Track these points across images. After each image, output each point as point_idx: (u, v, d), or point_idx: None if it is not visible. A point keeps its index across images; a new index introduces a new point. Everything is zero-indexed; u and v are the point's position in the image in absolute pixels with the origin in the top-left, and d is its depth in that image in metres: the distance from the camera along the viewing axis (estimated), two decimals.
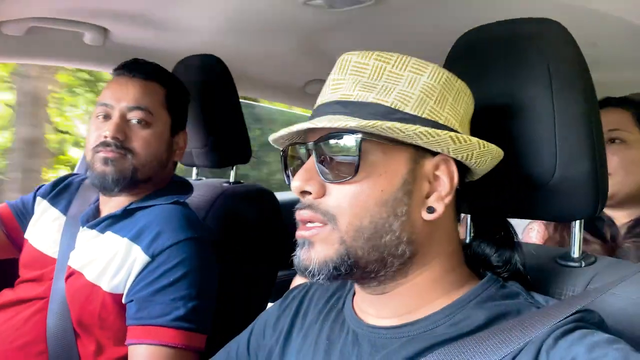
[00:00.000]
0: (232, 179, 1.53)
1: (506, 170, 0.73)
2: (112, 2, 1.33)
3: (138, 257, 1.06)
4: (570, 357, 0.51)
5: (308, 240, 0.64)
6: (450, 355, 0.57)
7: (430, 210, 0.64)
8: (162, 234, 1.07)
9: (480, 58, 0.78)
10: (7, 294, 1.21)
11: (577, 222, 0.76)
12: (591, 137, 0.72)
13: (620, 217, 1.27)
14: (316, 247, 0.63)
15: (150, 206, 1.15)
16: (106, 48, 1.57)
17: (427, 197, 0.65)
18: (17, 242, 1.31)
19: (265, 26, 1.47)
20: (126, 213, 1.15)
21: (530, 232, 1.38)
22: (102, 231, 1.15)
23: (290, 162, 0.71)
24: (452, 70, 0.77)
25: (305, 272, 0.63)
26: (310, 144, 0.64)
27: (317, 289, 0.81)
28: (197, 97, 1.39)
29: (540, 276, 0.74)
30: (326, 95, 0.67)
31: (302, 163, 0.67)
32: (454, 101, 0.66)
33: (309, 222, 0.64)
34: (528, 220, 1.43)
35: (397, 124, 0.59)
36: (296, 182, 0.64)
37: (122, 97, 1.14)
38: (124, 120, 1.13)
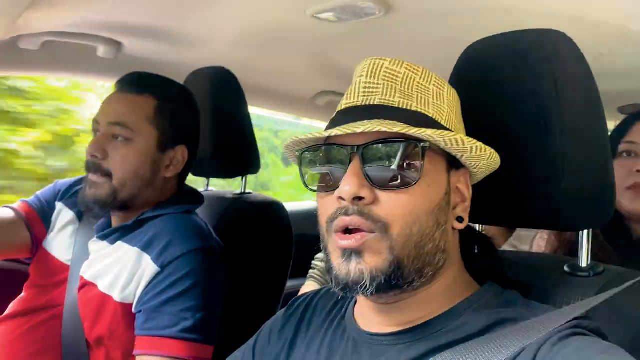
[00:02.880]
0: (241, 190, 1.55)
1: (514, 181, 0.74)
2: (125, 16, 1.36)
3: (148, 267, 1.06)
4: None
5: (355, 250, 0.60)
6: None
7: (460, 219, 0.67)
8: (172, 244, 1.07)
9: (487, 68, 0.79)
10: (19, 303, 1.22)
11: (585, 231, 0.76)
12: (598, 148, 0.72)
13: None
14: (366, 258, 0.60)
15: (161, 215, 1.16)
16: (119, 61, 1.59)
17: (454, 208, 0.67)
18: (38, 243, 1.30)
19: (275, 39, 1.49)
20: (137, 224, 1.15)
21: (540, 241, 1.38)
22: (113, 242, 1.15)
23: (309, 166, 0.68)
24: (459, 80, 0.78)
25: (357, 286, 0.60)
26: (357, 147, 0.62)
27: (321, 297, 0.81)
28: (208, 109, 1.41)
29: (549, 285, 0.74)
30: (357, 97, 0.66)
31: (334, 167, 0.64)
32: (461, 117, 0.71)
33: (356, 230, 0.61)
34: (535, 231, 1.43)
35: (463, 137, 0.61)
36: (349, 187, 0.60)
37: (107, 113, 1.14)
38: (106, 137, 1.12)
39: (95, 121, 1.15)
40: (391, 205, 0.61)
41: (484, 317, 0.62)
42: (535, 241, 1.39)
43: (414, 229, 0.61)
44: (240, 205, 1.44)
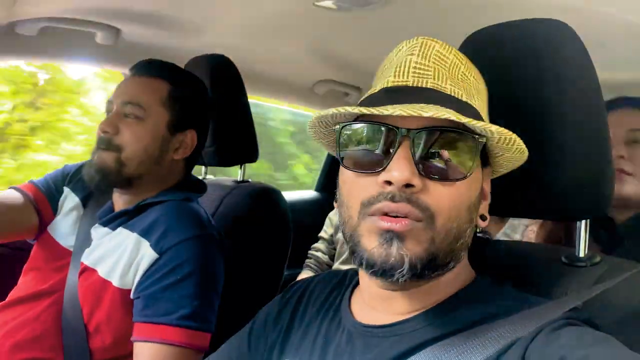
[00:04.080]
0: (240, 178, 1.55)
1: (514, 170, 0.74)
2: (123, 2, 1.35)
3: (146, 253, 1.06)
4: (560, 354, 0.51)
5: (397, 234, 0.57)
6: (439, 353, 0.57)
7: (484, 218, 0.66)
8: (171, 230, 1.07)
9: (488, 58, 0.79)
10: (20, 289, 1.22)
11: (583, 221, 0.76)
12: (597, 138, 0.72)
13: (620, 217, 1.27)
14: (408, 244, 0.58)
15: (161, 202, 1.16)
16: (118, 48, 1.59)
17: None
18: (44, 226, 1.29)
19: (274, 27, 1.48)
20: (139, 209, 1.16)
21: (530, 233, 1.39)
22: (115, 228, 1.16)
23: (352, 141, 0.63)
24: None
25: (395, 271, 0.57)
26: (409, 131, 0.58)
27: (317, 284, 0.81)
28: None
29: (546, 276, 0.75)
30: (407, 77, 0.63)
31: (377, 147, 0.61)
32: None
33: (401, 216, 0.58)
34: (526, 221, 1.43)
35: (516, 137, 0.60)
36: (400, 173, 0.57)
37: (121, 93, 1.16)
38: (118, 115, 1.14)
39: (109, 102, 1.17)
40: (439, 196, 0.58)
41: (478, 310, 0.62)
42: (526, 233, 1.40)
43: (454, 223, 0.59)
44: (239, 193, 1.44)
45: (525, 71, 0.74)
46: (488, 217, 0.67)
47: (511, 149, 0.62)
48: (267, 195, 1.47)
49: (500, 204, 0.79)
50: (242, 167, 1.54)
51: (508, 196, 0.77)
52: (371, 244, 0.59)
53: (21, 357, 1.09)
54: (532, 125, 0.73)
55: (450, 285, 0.66)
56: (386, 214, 0.58)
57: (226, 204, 1.42)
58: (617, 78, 1.52)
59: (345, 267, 1.39)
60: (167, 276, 1.04)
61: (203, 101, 1.27)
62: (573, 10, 1.07)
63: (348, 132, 0.64)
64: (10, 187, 1.29)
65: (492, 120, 0.70)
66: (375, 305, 0.68)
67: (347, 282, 0.77)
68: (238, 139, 1.47)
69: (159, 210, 1.14)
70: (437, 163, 0.59)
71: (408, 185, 0.57)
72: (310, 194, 2.65)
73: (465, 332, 0.59)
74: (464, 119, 0.56)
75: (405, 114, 0.56)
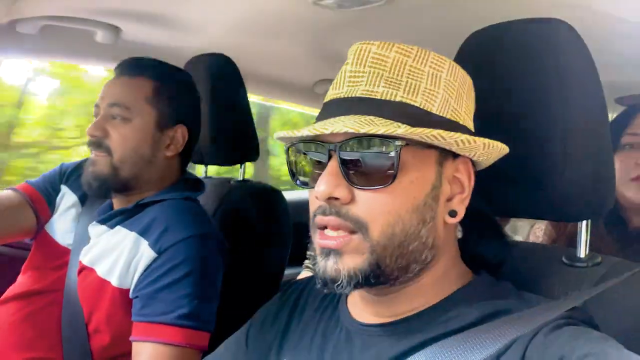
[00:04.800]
0: (240, 177, 1.54)
1: (514, 170, 0.73)
2: (124, 1, 1.35)
3: (145, 253, 1.06)
4: (560, 354, 0.51)
5: (335, 250, 0.60)
6: (439, 352, 0.57)
7: (453, 213, 0.64)
8: (170, 230, 1.07)
9: (489, 58, 0.78)
10: (18, 286, 1.22)
11: (584, 222, 0.76)
12: (599, 138, 0.72)
13: (637, 221, 1.27)
14: (345, 258, 0.59)
15: (160, 200, 1.16)
16: (118, 47, 1.58)
17: (449, 200, 0.64)
18: (42, 225, 1.30)
19: (274, 25, 1.48)
20: (137, 208, 1.15)
21: (537, 231, 1.38)
22: (113, 226, 1.15)
23: (296, 160, 0.67)
24: None
25: (334, 284, 0.60)
26: (335, 145, 0.59)
27: (315, 284, 0.81)
28: (206, 96, 1.40)
29: (546, 276, 0.74)
30: (342, 88, 0.63)
31: (318, 163, 0.63)
32: (467, 98, 0.66)
33: (335, 230, 0.60)
34: (531, 221, 1.43)
35: (442, 132, 0.57)
36: (324, 188, 0.58)
37: (106, 96, 1.16)
38: (106, 118, 1.14)
39: (96, 105, 1.17)
40: (368, 205, 0.59)
41: (477, 309, 0.61)
42: (533, 231, 1.40)
43: (396, 228, 0.59)
44: (239, 192, 1.44)
45: (526, 71, 0.74)
46: (460, 212, 0.64)
47: (450, 143, 0.60)
48: (268, 195, 1.47)
49: (501, 204, 0.79)
50: (242, 166, 1.54)
51: (509, 197, 0.77)
52: (318, 257, 0.62)
53: (20, 357, 1.09)
54: (533, 126, 0.72)
55: (442, 286, 0.65)
56: (324, 227, 0.61)
57: (226, 203, 1.42)
58: (620, 79, 1.52)
59: None
60: (166, 275, 1.04)
61: (190, 95, 1.25)
62: (576, 10, 1.07)
63: (293, 152, 0.66)
64: (7, 188, 1.29)
65: (491, 118, 0.70)
66: (367, 306, 0.68)
67: None
68: (239, 138, 1.46)
69: (158, 209, 1.13)
70: (362, 172, 0.59)
71: (336, 199, 0.59)
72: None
73: (464, 332, 0.58)
74: (364, 129, 0.55)
75: (310, 132, 0.59)
